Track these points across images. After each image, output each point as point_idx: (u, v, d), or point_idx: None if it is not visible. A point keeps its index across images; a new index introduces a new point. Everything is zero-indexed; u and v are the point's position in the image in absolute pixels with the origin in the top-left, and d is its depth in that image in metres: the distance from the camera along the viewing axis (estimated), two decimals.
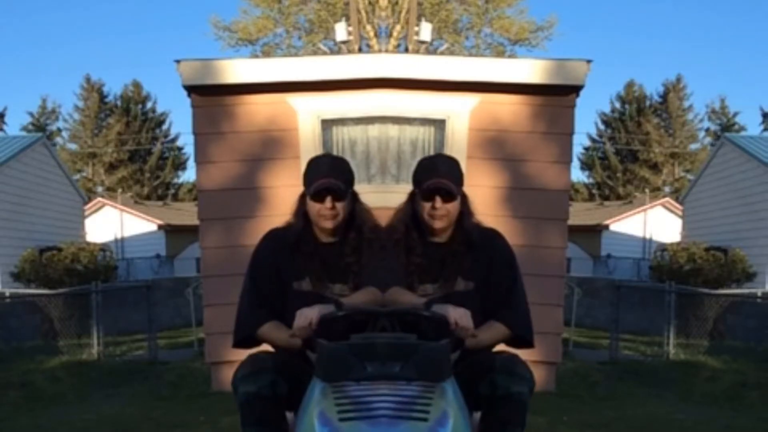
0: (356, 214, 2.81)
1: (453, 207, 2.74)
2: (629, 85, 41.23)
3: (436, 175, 2.72)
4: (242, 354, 2.71)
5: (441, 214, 2.72)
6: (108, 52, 65.78)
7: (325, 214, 2.73)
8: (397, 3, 20.58)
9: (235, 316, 2.84)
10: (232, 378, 2.60)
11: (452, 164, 2.82)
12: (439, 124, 7.04)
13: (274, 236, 2.88)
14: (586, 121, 56.67)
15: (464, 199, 2.82)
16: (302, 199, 2.83)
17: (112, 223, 25.06)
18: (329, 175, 2.73)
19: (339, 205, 2.72)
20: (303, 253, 2.78)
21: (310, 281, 2.76)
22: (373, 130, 7.04)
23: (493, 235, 2.88)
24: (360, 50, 12.21)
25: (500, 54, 27.37)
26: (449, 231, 2.81)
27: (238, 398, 2.56)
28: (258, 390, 2.50)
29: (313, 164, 2.83)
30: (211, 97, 7.03)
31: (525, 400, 2.58)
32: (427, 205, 2.72)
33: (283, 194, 6.54)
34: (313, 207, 2.74)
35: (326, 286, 2.76)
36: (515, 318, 2.79)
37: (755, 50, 64.42)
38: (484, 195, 6.56)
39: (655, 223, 25.45)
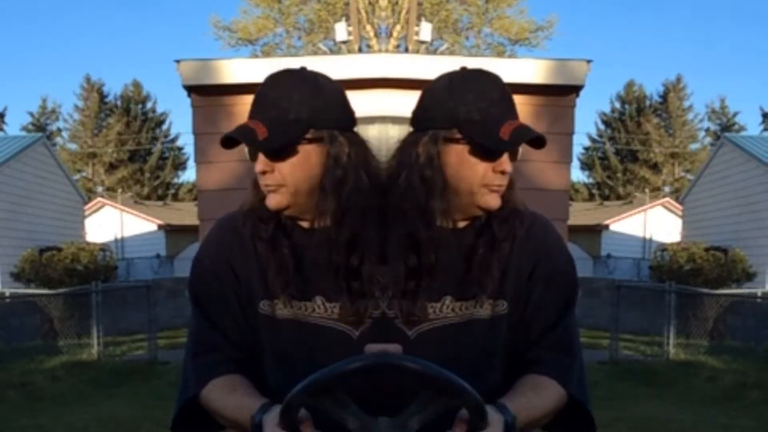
0: (351, 171, 1.49)
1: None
2: (629, 85, 41.23)
3: (510, 113, 1.50)
4: None
5: (504, 183, 1.49)
6: (108, 52, 65.87)
7: (264, 182, 1.48)
8: (397, 3, 20.56)
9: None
10: None
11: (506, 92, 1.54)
12: None
13: (229, 226, 1.57)
14: (586, 121, 56.79)
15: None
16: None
17: (112, 223, 25.05)
18: (273, 105, 1.47)
19: (282, 166, 1.45)
20: (277, 251, 1.49)
21: (286, 300, 1.47)
22: (373, 130, 7.03)
23: (542, 224, 1.60)
24: (360, 50, 12.21)
25: (500, 54, 27.37)
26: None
27: None
28: None
29: (263, 90, 1.54)
30: (211, 97, 7.03)
31: None
32: (486, 168, 1.46)
33: None
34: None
35: (313, 306, 1.48)
36: (568, 368, 1.53)
37: (755, 50, 64.49)
38: None
39: (655, 223, 25.44)
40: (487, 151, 1.45)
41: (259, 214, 1.52)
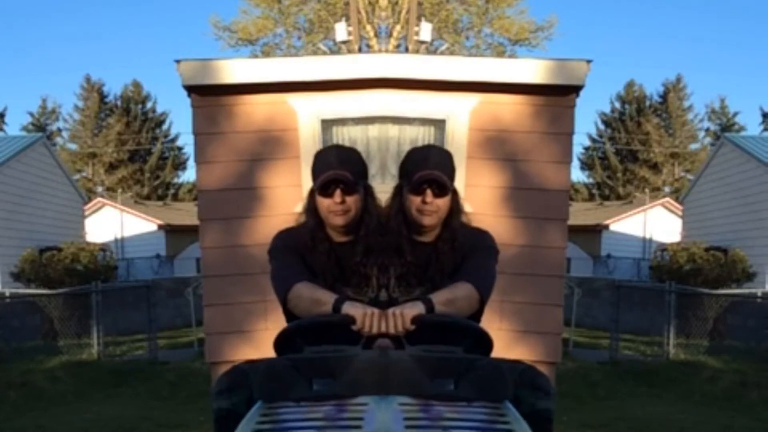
0: (369, 210, 2.58)
1: (444, 203, 2.53)
2: (629, 85, 41.24)
3: (428, 166, 2.51)
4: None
5: (431, 209, 2.50)
6: (108, 52, 65.88)
7: (335, 209, 2.50)
8: (397, 3, 20.57)
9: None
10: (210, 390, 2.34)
11: (445, 156, 2.62)
12: (439, 124, 7.03)
13: (287, 234, 2.67)
14: (586, 121, 56.67)
15: (455, 196, 2.60)
16: (311, 195, 2.60)
17: (112, 223, 25.05)
18: (337, 166, 2.51)
19: (349, 199, 2.51)
20: (318, 252, 2.57)
21: (324, 283, 2.52)
22: (373, 130, 7.03)
23: (479, 233, 2.65)
24: (360, 50, 12.21)
25: (500, 54, 27.38)
26: (436, 230, 2.59)
27: (213, 413, 2.39)
28: (232, 407, 2.30)
29: (321, 156, 2.61)
30: (211, 97, 7.02)
31: (551, 417, 2.35)
32: (417, 200, 2.51)
33: (283, 194, 6.54)
34: (322, 203, 2.53)
35: (340, 291, 2.50)
36: (480, 276, 2.52)
37: (755, 50, 64.49)
38: (484, 195, 6.56)
39: (655, 223, 25.45)
40: (413, 189, 2.51)
41: (313, 230, 2.57)
